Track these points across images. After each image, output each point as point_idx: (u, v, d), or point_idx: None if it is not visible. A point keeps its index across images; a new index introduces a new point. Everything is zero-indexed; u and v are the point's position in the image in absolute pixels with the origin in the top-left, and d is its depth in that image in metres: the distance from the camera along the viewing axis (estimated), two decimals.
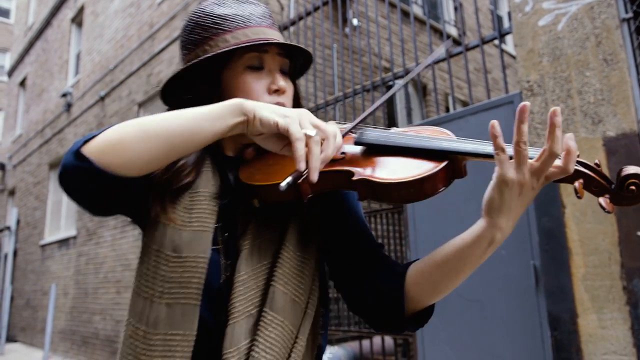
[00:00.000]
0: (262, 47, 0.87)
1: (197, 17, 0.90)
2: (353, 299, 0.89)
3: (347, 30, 5.70)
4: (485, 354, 2.96)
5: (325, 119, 4.03)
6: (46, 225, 10.78)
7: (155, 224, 0.82)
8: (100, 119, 8.76)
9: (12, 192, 13.89)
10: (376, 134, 0.83)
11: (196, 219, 0.82)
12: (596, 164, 0.72)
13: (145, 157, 0.71)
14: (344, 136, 0.80)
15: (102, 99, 8.78)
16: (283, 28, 5.03)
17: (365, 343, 4.55)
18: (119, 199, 0.79)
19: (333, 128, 0.75)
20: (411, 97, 6.54)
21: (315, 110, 4.51)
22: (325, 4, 4.73)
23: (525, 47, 2.94)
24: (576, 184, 0.69)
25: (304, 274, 0.87)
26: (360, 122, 0.82)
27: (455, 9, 7.85)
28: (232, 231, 0.86)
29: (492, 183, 0.72)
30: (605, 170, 2.53)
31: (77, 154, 0.71)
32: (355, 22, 5.63)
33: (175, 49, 6.86)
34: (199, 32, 0.89)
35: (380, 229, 4.66)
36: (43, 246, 10.55)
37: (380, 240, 1.04)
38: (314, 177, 0.70)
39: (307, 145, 0.71)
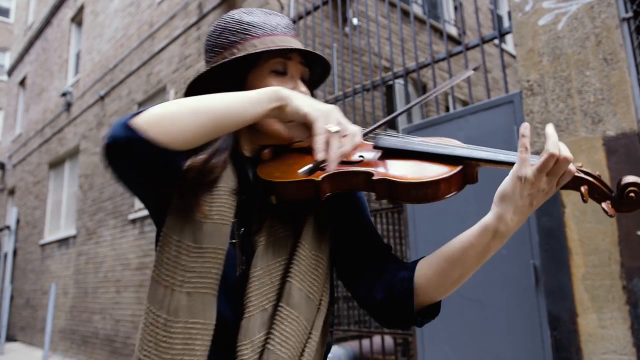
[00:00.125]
0: (288, 54, 0.93)
1: (225, 23, 0.95)
2: (363, 295, 0.92)
3: (347, 29, 5.70)
4: (485, 353, 2.97)
5: None
6: (46, 224, 10.78)
7: (176, 215, 0.85)
8: (100, 118, 8.76)
9: (11, 192, 13.89)
10: (393, 140, 0.89)
11: (216, 212, 0.86)
12: (598, 174, 0.78)
13: (191, 131, 0.76)
14: (364, 136, 0.87)
15: (102, 98, 8.77)
16: None
17: (365, 342, 4.55)
18: (156, 177, 0.82)
19: (354, 128, 0.81)
20: (411, 97, 6.54)
21: None
22: (325, 3, 4.73)
23: (525, 46, 2.94)
24: (582, 189, 0.76)
25: (318, 272, 0.91)
26: (382, 125, 0.90)
27: (455, 8, 7.85)
28: (248, 227, 0.90)
29: (508, 178, 0.77)
30: (605, 169, 2.53)
31: (127, 125, 0.73)
32: (355, 21, 5.63)
33: (175, 48, 6.85)
34: (227, 37, 0.93)
35: (381, 229, 4.66)
36: (43, 245, 10.54)
37: None
38: (331, 167, 0.77)
39: (328, 139, 0.77)
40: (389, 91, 6.11)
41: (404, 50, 3.93)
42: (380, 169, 0.83)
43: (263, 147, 0.94)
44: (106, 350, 7.28)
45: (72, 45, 10.93)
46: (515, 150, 0.77)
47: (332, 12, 4.79)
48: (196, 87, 0.95)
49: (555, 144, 0.72)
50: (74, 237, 9.06)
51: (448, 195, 0.80)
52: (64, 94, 10.15)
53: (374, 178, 0.81)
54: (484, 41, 3.42)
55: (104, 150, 0.75)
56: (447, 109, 7.16)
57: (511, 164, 0.77)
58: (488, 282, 2.95)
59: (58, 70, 11.28)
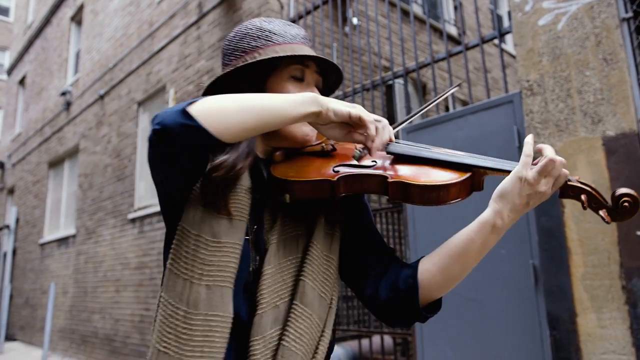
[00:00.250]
0: (306, 62, 0.99)
1: (246, 29, 1.00)
2: (368, 294, 0.97)
3: (347, 29, 5.69)
4: (484, 353, 2.97)
5: None
6: (45, 223, 10.78)
7: (195, 210, 0.88)
8: (100, 117, 8.76)
9: (11, 191, 13.88)
10: (404, 147, 0.94)
11: (234, 209, 0.89)
12: (593, 187, 0.85)
13: (241, 125, 0.80)
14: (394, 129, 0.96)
15: (102, 97, 8.77)
16: None
17: (365, 342, 4.55)
18: (193, 167, 0.87)
19: (384, 119, 0.89)
20: (411, 97, 6.53)
21: None
22: (325, 2, 4.73)
23: (525, 46, 2.94)
24: (582, 197, 0.83)
25: (330, 272, 0.96)
26: (406, 121, 1.00)
27: (455, 8, 7.84)
28: (260, 225, 0.94)
29: (508, 178, 0.84)
30: (604, 169, 2.53)
31: (187, 112, 0.77)
32: (355, 21, 5.62)
33: (175, 47, 6.85)
34: (249, 42, 0.98)
35: (380, 228, 4.66)
36: (42, 245, 10.54)
37: None
38: (374, 154, 0.87)
39: (376, 128, 0.86)
40: (389, 91, 6.10)
41: (404, 50, 3.93)
42: (394, 173, 0.88)
43: (275, 149, 0.99)
44: (105, 350, 7.28)
45: (72, 45, 10.92)
46: (515, 152, 0.84)
47: (332, 12, 4.79)
48: (213, 88, 0.99)
49: (552, 151, 0.82)
50: (74, 236, 9.06)
51: (456, 200, 0.86)
52: (63, 93, 10.14)
53: (389, 180, 0.86)
54: (484, 41, 3.42)
55: (156, 135, 0.78)
56: (447, 108, 7.16)
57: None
58: (487, 282, 2.95)
59: (58, 69, 11.27)
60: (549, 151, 0.82)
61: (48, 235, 10.53)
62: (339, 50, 5.22)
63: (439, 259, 0.90)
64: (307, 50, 0.99)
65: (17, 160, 13.35)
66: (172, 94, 6.73)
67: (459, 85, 1.08)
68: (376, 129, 0.86)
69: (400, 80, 5.31)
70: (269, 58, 0.94)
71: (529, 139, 0.85)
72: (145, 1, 7.91)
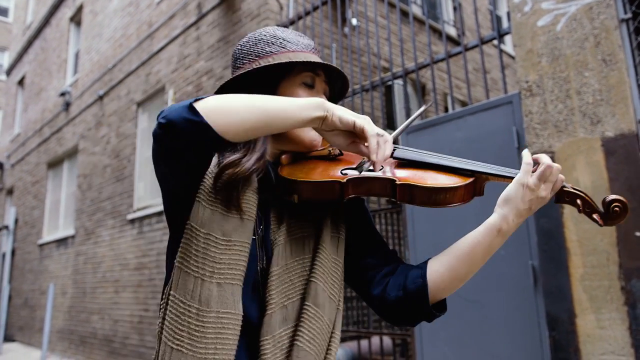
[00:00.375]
0: (318, 70, 1.02)
1: (260, 35, 1.03)
2: (376, 294, 0.98)
3: (346, 30, 5.69)
4: (483, 353, 2.97)
5: None
6: (44, 224, 10.76)
7: (204, 208, 0.89)
8: (99, 118, 8.75)
9: (10, 191, 13.87)
10: (409, 152, 0.98)
11: (245, 207, 0.91)
12: (586, 193, 0.92)
13: (245, 124, 0.81)
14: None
15: (101, 98, 8.76)
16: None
17: (364, 343, 4.55)
18: (201, 165, 0.88)
19: (387, 134, 0.90)
20: (410, 97, 6.54)
21: None
22: (324, 3, 4.73)
23: (524, 47, 2.94)
24: (578, 201, 0.91)
25: (338, 274, 0.99)
26: (404, 129, 1.03)
27: (455, 9, 7.85)
28: (267, 225, 0.96)
29: (511, 185, 0.90)
30: (603, 170, 2.53)
31: (190, 107, 0.79)
32: (354, 21, 5.63)
33: (174, 48, 6.85)
34: (263, 47, 1.01)
35: (380, 229, 4.66)
36: (41, 245, 10.53)
37: None
38: (377, 167, 0.88)
39: (378, 141, 0.86)
40: (388, 92, 6.11)
41: (403, 50, 3.93)
42: (401, 176, 0.92)
43: (282, 152, 1.01)
44: (104, 351, 7.27)
45: (71, 45, 10.91)
46: (514, 153, 0.89)
47: (331, 13, 4.79)
48: (225, 91, 1.01)
49: (548, 159, 0.88)
50: (73, 237, 9.05)
51: (460, 203, 0.90)
52: (62, 94, 10.14)
53: (398, 183, 0.89)
54: (483, 42, 3.42)
55: (161, 129, 0.79)
56: (446, 109, 7.17)
57: (512, 178, 0.91)
58: (487, 283, 2.95)
59: (57, 70, 11.26)
60: (545, 159, 0.89)
61: (47, 236, 10.52)
62: (338, 51, 5.23)
63: (447, 259, 0.93)
64: (318, 59, 1.02)
65: (16, 161, 13.34)
66: (171, 95, 6.73)
67: (430, 105, 1.15)
68: (377, 143, 0.86)
69: (399, 81, 5.32)
70: (288, 62, 0.96)
71: (526, 151, 0.92)
72: (144, 2, 7.91)
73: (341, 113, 0.86)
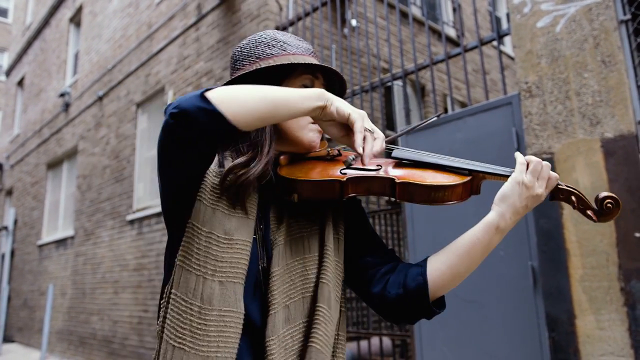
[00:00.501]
0: (317, 73, 1.04)
1: (260, 38, 1.05)
2: (376, 293, 0.99)
3: (345, 31, 5.70)
4: (483, 354, 2.97)
5: None
6: (44, 225, 10.76)
7: (205, 208, 0.91)
8: (99, 119, 8.75)
9: (9, 192, 13.85)
10: (407, 152, 1.01)
11: (249, 207, 0.93)
12: (580, 191, 0.95)
13: (254, 113, 0.83)
14: (387, 142, 1.00)
15: (100, 98, 8.76)
16: (282, 29, 5.03)
17: (363, 344, 4.55)
18: (208, 159, 0.89)
19: (381, 133, 0.93)
20: (410, 98, 6.54)
21: None
22: (324, 4, 4.73)
23: (523, 48, 2.94)
24: (572, 198, 0.94)
25: (340, 275, 1.01)
26: (403, 134, 1.07)
27: (454, 10, 7.86)
28: (267, 224, 0.97)
29: (507, 183, 0.93)
30: (603, 171, 2.54)
31: (202, 97, 0.80)
32: (354, 22, 5.63)
33: (174, 49, 6.85)
34: (264, 49, 1.02)
35: (379, 230, 4.66)
36: (40, 246, 10.52)
37: None
38: (367, 161, 0.88)
39: (365, 137, 0.89)
40: (388, 93, 6.11)
41: (403, 51, 3.94)
42: (400, 175, 0.94)
43: (281, 153, 1.02)
44: (104, 352, 7.26)
45: (71, 46, 10.91)
46: (513, 154, 0.95)
47: (330, 14, 4.79)
48: None
49: (536, 158, 0.93)
50: (72, 237, 9.05)
51: (457, 201, 0.93)
52: (62, 95, 10.13)
53: (397, 182, 0.91)
54: (483, 43, 3.43)
55: (173, 118, 0.80)
56: (446, 110, 7.17)
57: (508, 176, 0.94)
58: (486, 284, 2.96)
59: (56, 70, 11.26)
60: (534, 158, 0.94)
61: (46, 237, 10.51)
62: (338, 52, 5.23)
63: (447, 257, 0.95)
64: (317, 63, 1.04)
65: (15, 162, 13.33)
66: (170, 96, 6.73)
67: (438, 116, 1.16)
68: (364, 138, 0.88)
69: (399, 82, 5.32)
70: (289, 64, 0.98)
71: (519, 153, 0.97)
72: (144, 2, 7.91)
73: (339, 104, 0.89)
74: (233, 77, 1.01)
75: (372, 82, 4.21)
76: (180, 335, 0.85)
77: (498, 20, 8.36)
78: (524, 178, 0.92)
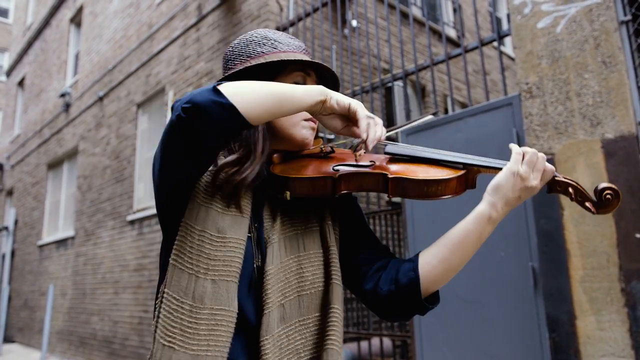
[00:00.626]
0: (308, 70, 1.04)
1: (251, 37, 1.05)
2: (368, 289, 0.99)
3: (346, 31, 5.70)
4: (483, 355, 2.97)
5: None
6: (44, 225, 10.76)
7: (199, 206, 0.91)
8: (99, 119, 8.75)
9: (10, 192, 13.86)
10: (401, 148, 1.00)
11: (244, 205, 0.93)
12: (578, 182, 0.93)
13: (263, 107, 0.84)
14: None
15: (101, 99, 8.77)
16: (282, 29, 5.03)
17: (364, 344, 4.55)
18: (215, 155, 0.89)
19: (379, 119, 0.94)
20: (410, 99, 6.54)
21: None
22: (324, 5, 4.73)
23: (524, 49, 2.94)
24: (569, 189, 0.92)
25: (340, 275, 1.01)
26: (398, 128, 1.07)
27: (454, 10, 7.86)
28: (260, 223, 0.97)
29: (501, 173, 0.92)
30: (603, 172, 2.54)
31: (215, 90, 0.81)
32: (354, 23, 5.63)
33: (174, 49, 6.85)
34: (255, 48, 1.03)
35: (380, 230, 4.66)
36: (41, 246, 10.52)
37: None
38: (370, 147, 0.89)
39: (369, 123, 0.90)
40: (388, 93, 6.11)
41: (403, 52, 3.94)
42: (393, 170, 0.94)
43: (274, 151, 1.02)
44: (104, 352, 7.26)
45: (71, 46, 10.92)
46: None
47: (331, 14, 4.79)
48: None
49: (532, 149, 0.92)
50: (72, 238, 9.05)
51: (452, 195, 0.92)
52: (62, 95, 10.14)
53: (390, 177, 0.91)
54: (483, 43, 3.43)
55: (187, 112, 0.79)
56: (446, 111, 7.17)
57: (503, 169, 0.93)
58: (487, 284, 2.96)
59: (57, 71, 11.26)
60: (530, 149, 0.92)
61: (47, 237, 10.52)
62: (338, 53, 5.23)
63: (438, 250, 0.94)
64: (308, 60, 1.04)
65: (16, 162, 13.34)
66: (171, 96, 6.73)
67: (433, 113, 1.18)
68: (368, 124, 0.90)
69: (399, 83, 5.32)
70: (279, 60, 0.98)
71: (513, 144, 0.95)
72: (144, 3, 7.91)
73: (338, 97, 0.91)
74: (224, 76, 1.00)
75: (373, 82, 4.21)
76: (171, 334, 0.84)
77: (498, 20, 8.36)
78: (520, 169, 0.90)
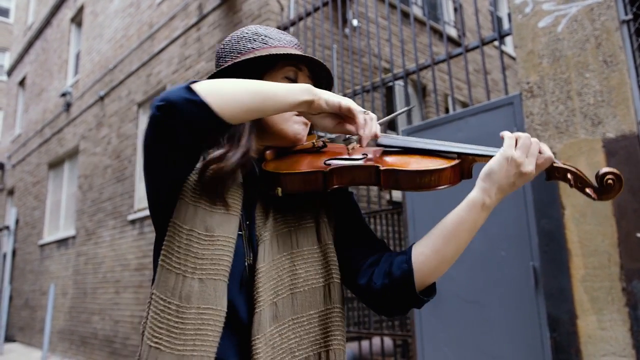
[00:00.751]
0: (299, 64, 1.02)
1: (242, 34, 1.04)
2: (362, 284, 0.97)
3: (347, 31, 5.70)
4: (484, 355, 2.97)
5: None
6: (45, 225, 10.77)
7: (187, 205, 0.89)
8: (100, 118, 8.76)
9: (11, 192, 13.87)
10: (393, 139, 0.98)
11: (230, 201, 0.92)
12: (578, 168, 0.89)
13: (241, 105, 0.82)
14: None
15: (102, 98, 8.77)
16: (283, 29, 5.03)
17: (365, 344, 4.55)
18: (194, 154, 0.88)
19: (374, 115, 0.93)
20: (411, 98, 6.54)
21: None
22: (325, 4, 4.73)
23: (525, 48, 2.94)
24: (569, 176, 0.88)
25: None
26: (386, 121, 1.04)
27: (455, 10, 7.86)
28: (252, 220, 0.95)
29: (494, 158, 0.88)
30: None
31: (188, 88, 0.79)
32: (355, 22, 5.63)
33: (175, 49, 6.85)
34: (245, 44, 1.01)
35: (380, 230, 4.66)
36: (42, 246, 10.53)
37: None
38: (364, 143, 0.88)
39: (365, 118, 0.89)
40: (389, 92, 6.11)
41: (404, 51, 3.93)
42: (385, 162, 0.91)
43: (267, 148, 1.00)
44: (105, 351, 7.27)
45: (72, 46, 10.92)
46: None
47: (332, 14, 4.79)
48: None
49: (525, 134, 0.88)
50: (73, 237, 9.06)
51: (447, 185, 0.89)
52: (63, 95, 10.15)
53: (381, 169, 0.89)
54: (484, 43, 3.42)
55: (160, 110, 0.79)
56: (447, 110, 7.17)
57: None
58: (488, 284, 2.95)
59: (58, 70, 11.27)
60: (523, 134, 0.89)
61: (48, 237, 10.53)
62: (339, 52, 5.23)
63: (432, 241, 0.91)
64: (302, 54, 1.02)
65: (17, 162, 13.35)
66: None
67: (411, 108, 1.19)
68: (365, 119, 0.88)
69: (400, 82, 5.32)
70: (267, 55, 0.97)
71: (505, 131, 0.92)
72: (145, 2, 7.92)
73: (327, 96, 0.89)
74: (214, 73, 0.99)
75: (374, 82, 4.21)
76: (157, 335, 0.83)
77: (499, 20, 8.36)
78: (514, 153, 0.86)
